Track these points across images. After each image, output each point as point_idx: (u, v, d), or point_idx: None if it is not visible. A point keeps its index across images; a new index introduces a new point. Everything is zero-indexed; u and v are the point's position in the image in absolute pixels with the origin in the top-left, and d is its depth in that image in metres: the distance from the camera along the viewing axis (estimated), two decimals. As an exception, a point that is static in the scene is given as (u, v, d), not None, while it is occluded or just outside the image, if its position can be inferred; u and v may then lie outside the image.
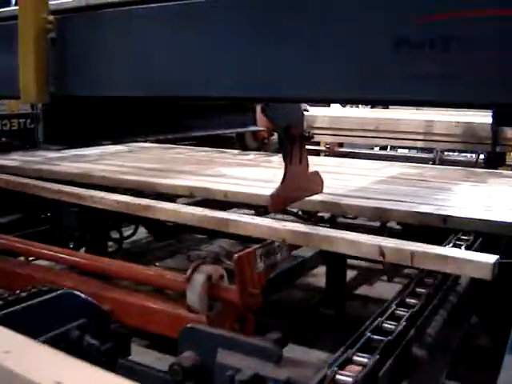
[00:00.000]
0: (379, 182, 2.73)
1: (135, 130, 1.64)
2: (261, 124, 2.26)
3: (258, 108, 2.18)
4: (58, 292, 1.50)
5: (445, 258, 1.66)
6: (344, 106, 6.41)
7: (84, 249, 4.20)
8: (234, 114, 2.03)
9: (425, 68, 1.09)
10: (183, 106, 1.76)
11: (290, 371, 1.62)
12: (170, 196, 2.89)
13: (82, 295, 1.53)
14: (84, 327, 1.45)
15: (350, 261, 4.07)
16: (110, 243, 4.67)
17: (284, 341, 2.08)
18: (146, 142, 4.46)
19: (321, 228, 2.01)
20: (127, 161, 3.45)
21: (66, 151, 3.76)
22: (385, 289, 4.07)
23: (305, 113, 4.16)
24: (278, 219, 2.13)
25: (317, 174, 2.27)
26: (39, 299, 1.47)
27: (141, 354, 2.09)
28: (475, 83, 1.06)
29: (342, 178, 2.82)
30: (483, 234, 2.07)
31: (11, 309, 1.43)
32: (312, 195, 2.23)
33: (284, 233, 1.84)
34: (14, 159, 3.48)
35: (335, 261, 3.82)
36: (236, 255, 1.80)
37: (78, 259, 2.28)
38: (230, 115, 2.01)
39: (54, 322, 1.40)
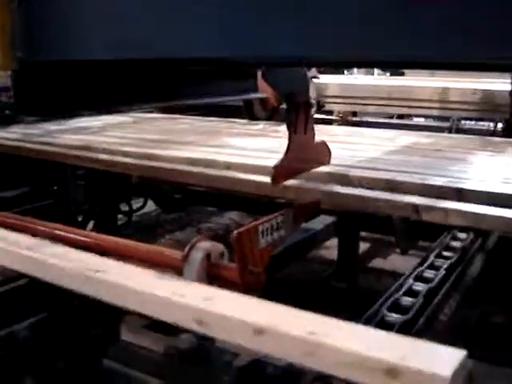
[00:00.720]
0: (391, 153, 2.59)
1: (122, 99, 1.52)
2: (263, 91, 2.13)
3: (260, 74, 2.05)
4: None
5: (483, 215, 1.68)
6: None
7: (93, 222, 4.15)
8: (233, 81, 1.90)
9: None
10: (176, 71, 1.63)
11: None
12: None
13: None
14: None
15: (362, 233, 3.98)
16: (119, 216, 4.61)
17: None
18: (152, 111, 4.36)
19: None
20: (130, 132, 3.34)
21: (69, 123, 3.66)
22: (399, 262, 3.98)
23: (315, 80, 4.03)
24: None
25: (324, 144, 2.14)
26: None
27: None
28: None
29: (352, 148, 2.68)
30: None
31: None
32: (319, 166, 2.10)
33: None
34: (14, 132, 3.37)
35: (347, 233, 3.73)
36: (235, 231, 1.68)
37: (68, 234, 2.17)
38: (228, 82, 1.88)
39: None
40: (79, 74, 1.40)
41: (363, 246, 4.30)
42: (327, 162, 2.17)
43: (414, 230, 3.19)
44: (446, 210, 1.74)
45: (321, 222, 3.56)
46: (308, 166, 2.03)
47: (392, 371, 0.82)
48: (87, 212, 4.05)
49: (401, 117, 6.18)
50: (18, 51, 1.38)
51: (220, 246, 1.81)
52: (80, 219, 4.06)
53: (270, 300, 2.06)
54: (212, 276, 1.76)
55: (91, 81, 1.42)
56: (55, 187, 3.55)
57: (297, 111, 1.90)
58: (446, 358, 0.83)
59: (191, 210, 5.21)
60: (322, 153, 2.13)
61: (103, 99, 1.46)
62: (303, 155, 1.97)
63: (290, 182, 1.93)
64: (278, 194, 1.94)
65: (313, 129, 2.00)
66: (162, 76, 1.60)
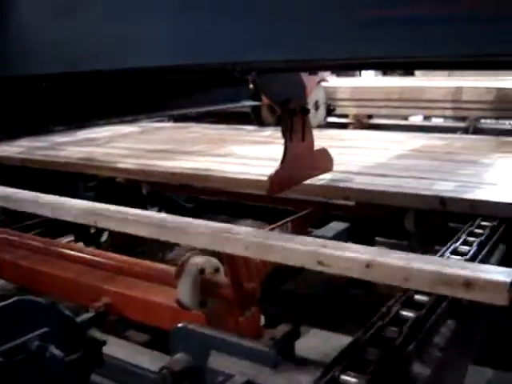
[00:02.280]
0: (399, 157, 2.50)
1: (98, 112, 1.45)
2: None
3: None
4: (11, 300, 1.34)
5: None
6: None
7: (107, 233, 4.09)
8: (223, 89, 1.82)
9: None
10: (165, 82, 1.56)
11: (286, 378, 1.45)
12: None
13: (43, 301, 1.37)
14: (46, 337, 1.30)
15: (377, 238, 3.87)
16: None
17: (296, 333, 1.90)
18: (162, 120, 4.30)
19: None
20: (136, 142, 3.29)
21: (76, 135, 3.62)
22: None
23: (324, 84, 3.96)
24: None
25: (325, 150, 2.06)
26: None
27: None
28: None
29: (359, 153, 2.60)
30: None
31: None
32: (319, 174, 2.03)
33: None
34: (20, 145, 3.34)
35: (361, 239, 3.63)
36: (226, 250, 1.61)
37: (60, 249, 2.14)
38: (218, 90, 1.81)
39: (8, 334, 1.25)
40: (51, 90, 1.34)
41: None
42: (330, 169, 2.09)
43: (428, 235, 3.09)
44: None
45: (333, 228, 3.47)
46: (308, 174, 1.95)
47: (467, 283, 1.13)
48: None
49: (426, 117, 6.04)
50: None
51: (214, 261, 1.75)
52: (92, 231, 4.02)
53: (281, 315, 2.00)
54: (205, 292, 1.70)
55: (63, 96, 1.36)
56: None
57: (293, 117, 1.82)
58: (504, 272, 1.15)
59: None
60: (324, 160, 2.05)
61: (76, 114, 1.40)
62: (301, 163, 1.88)
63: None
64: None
65: (311, 135, 1.91)
66: (147, 87, 1.53)
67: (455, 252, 1.71)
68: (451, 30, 0.90)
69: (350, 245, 1.39)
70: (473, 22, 0.86)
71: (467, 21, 0.88)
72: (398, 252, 1.30)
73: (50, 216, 1.94)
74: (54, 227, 3.15)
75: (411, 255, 1.29)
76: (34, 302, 1.37)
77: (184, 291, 1.69)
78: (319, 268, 1.33)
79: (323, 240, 1.44)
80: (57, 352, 1.30)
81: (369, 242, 3.57)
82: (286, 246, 1.39)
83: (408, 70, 5.65)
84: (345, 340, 1.45)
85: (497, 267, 1.24)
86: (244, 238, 1.48)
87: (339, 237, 3.42)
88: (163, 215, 1.75)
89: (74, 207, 1.86)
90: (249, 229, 1.57)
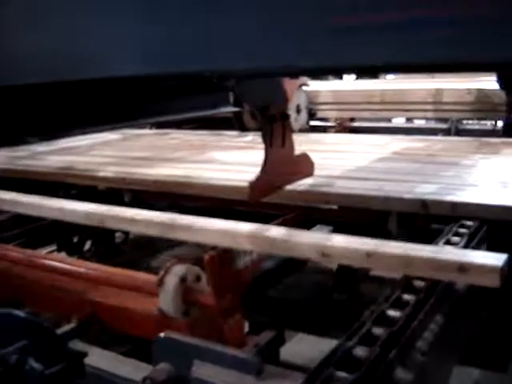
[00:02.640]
0: (380, 160, 2.50)
1: (75, 122, 1.43)
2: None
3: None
4: (-13, 313, 1.32)
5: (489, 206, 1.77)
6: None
7: (90, 241, 4.07)
8: (201, 95, 1.81)
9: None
10: (129, 90, 1.54)
11: (269, 386, 1.44)
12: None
13: (22, 314, 1.35)
14: (25, 350, 1.28)
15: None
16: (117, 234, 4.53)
17: (280, 339, 1.90)
18: (144, 127, 4.28)
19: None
20: (117, 150, 3.27)
21: (58, 143, 3.59)
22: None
23: (305, 88, 3.96)
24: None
25: (305, 155, 2.05)
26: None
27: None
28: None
29: (340, 157, 2.60)
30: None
31: None
32: (301, 179, 2.02)
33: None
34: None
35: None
36: (207, 255, 1.60)
37: (41, 260, 2.11)
38: (197, 96, 1.79)
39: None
40: (25, 100, 1.32)
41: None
42: (311, 174, 2.09)
43: (411, 236, 3.09)
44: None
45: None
46: (289, 179, 1.95)
47: (462, 268, 1.21)
48: (83, 231, 3.98)
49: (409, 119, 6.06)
50: None
51: (196, 269, 1.73)
52: (75, 240, 3.99)
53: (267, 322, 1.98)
54: (187, 300, 1.68)
55: (38, 106, 1.34)
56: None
57: (272, 123, 1.81)
58: (495, 257, 1.22)
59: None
60: (304, 165, 2.05)
61: (53, 124, 1.38)
62: (282, 169, 1.88)
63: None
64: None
65: (291, 140, 1.91)
66: (125, 95, 1.51)
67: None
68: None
69: (350, 237, 1.45)
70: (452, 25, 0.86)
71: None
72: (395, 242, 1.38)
73: (61, 218, 1.98)
74: (36, 237, 3.12)
75: (408, 245, 1.34)
76: (12, 314, 1.35)
77: (166, 300, 1.68)
78: (323, 259, 1.45)
79: (326, 234, 1.58)
80: (36, 365, 1.28)
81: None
82: (290, 240, 1.47)
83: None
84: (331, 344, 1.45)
85: (488, 253, 1.29)
86: (248, 233, 1.55)
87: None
88: (172, 215, 1.76)
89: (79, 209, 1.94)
90: (254, 224, 1.62)
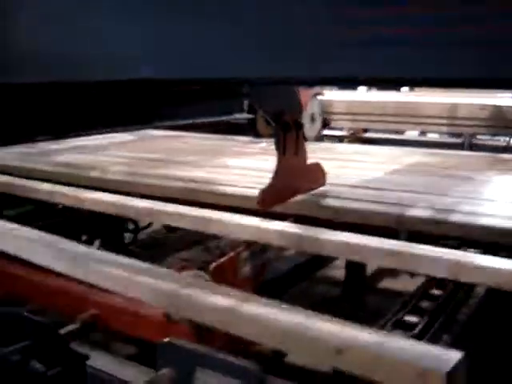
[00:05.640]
0: (392, 172, 2.48)
1: (88, 122, 1.43)
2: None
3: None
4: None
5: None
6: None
7: (99, 241, 4.06)
8: (216, 101, 1.81)
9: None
10: (145, 93, 1.53)
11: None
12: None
13: (24, 313, 1.34)
14: (28, 350, 1.27)
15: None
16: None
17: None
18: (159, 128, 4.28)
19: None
20: (131, 151, 3.26)
21: (67, 142, 3.59)
22: (409, 282, 3.84)
23: (320, 97, 3.95)
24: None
25: (317, 165, 2.04)
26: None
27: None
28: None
29: (351, 167, 2.59)
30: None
31: None
32: (312, 189, 2.00)
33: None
34: (11, 152, 3.31)
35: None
36: (213, 265, 1.59)
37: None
38: (212, 102, 1.79)
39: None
40: (41, 98, 1.31)
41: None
42: (323, 184, 2.07)
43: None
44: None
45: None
46: (300, 188, 1.93)
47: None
48: (92, 230, 3.97)
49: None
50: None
51: (202, 275, 1.72)
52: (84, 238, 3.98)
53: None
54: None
55: (52, 105, 1.33)
56: (60, 205, 3.46)
57: (286, 131, 1.80)
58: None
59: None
60: (316, 175, 2.04)
61: (64, 124, 1.37)
62: (293, 178, 1.86)
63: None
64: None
65: (304, 149, 1.90)
66: (141, 97, 1.51)
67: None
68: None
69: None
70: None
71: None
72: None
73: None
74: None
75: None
76: (15, 313, 1.34)
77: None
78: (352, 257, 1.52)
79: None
80: (38, 366, 1.27)
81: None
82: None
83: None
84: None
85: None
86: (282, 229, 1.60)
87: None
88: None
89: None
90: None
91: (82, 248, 1.62)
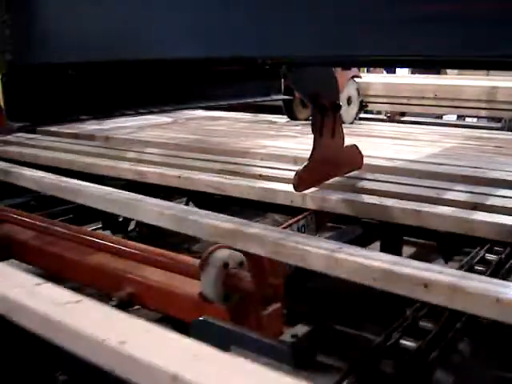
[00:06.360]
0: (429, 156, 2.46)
1: (126, 103, 1.44)
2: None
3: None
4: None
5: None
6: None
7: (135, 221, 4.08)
8: (255, 82, 1.80)
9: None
10: (183, 73, 1.53)
11: (305, 377, 1.43)
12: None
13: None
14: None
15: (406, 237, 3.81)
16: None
17: (318, 331, 1.88)
18: (196, 109, 4.27)
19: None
20: (164, 133, 3.28)
21: (105, 123, 3.63)
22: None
23: (357, 80, 3.90)
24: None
25: (355, 147, 2.03)
26: None
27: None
28: None
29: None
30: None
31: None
32: (348, 172, 2.00)
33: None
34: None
35: (390, 237, 3.57)
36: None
37: (86, 236, 2.14)
38: (249, 83, 1.78)
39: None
40: (80, 78, 1.33)
41: (407, 251, 4.12)
42: (360, 166, 2.06)
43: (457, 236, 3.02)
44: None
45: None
46: (336, 171, 1.92)
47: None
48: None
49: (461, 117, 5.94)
50: (8, 54, 1.30)
51: (238, 255, 1.73)
52: (120, 219, 4.01)
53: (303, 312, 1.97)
54: (229, 285, 1.68)
55: (90, 85, 1.34)
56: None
57: (323, 113, 1.79)
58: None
59: (230, 212, 5.10)
60: (353, 157, 2.02)
61: (103, 104, 1.38)
62: (330, 160, 1.86)
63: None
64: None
65: (341, 132, 1.89)
66: (167, 78, 1.51)
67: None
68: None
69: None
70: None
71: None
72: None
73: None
74: (82, 214, 3.15)
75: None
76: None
77: (207, 284, 1.68)
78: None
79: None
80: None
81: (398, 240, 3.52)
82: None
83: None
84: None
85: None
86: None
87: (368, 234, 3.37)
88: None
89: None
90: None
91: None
